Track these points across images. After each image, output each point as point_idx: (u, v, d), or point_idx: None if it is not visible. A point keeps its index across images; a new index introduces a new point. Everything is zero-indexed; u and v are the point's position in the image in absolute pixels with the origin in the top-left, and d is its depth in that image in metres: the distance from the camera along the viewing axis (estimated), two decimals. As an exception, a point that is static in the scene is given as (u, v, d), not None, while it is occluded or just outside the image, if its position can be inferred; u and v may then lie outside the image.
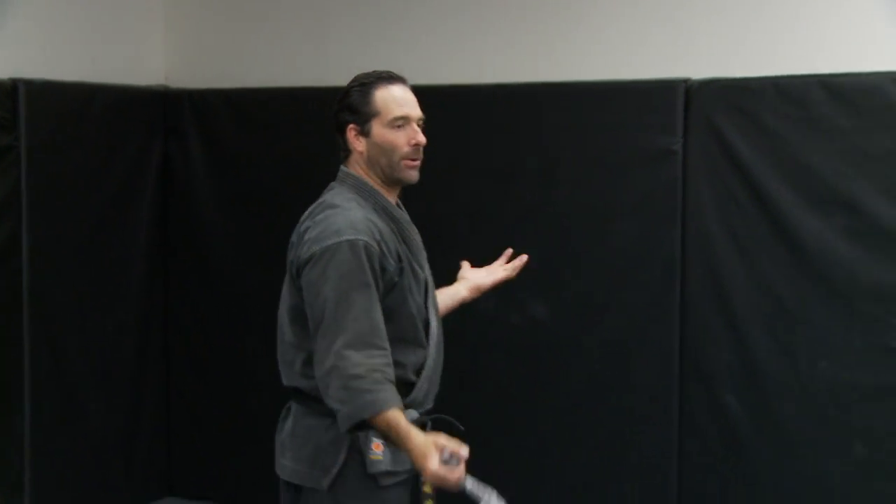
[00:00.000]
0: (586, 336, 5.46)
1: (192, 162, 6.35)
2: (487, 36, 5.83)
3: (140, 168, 6.25)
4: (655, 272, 5.41)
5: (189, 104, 6.34)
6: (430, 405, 3.22)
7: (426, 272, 3.30)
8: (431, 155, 3.42)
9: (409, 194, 3.43)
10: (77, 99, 5.86)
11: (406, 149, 3.18)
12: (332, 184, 3.29)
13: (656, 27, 5.51)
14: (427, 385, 3.23)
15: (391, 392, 2.96)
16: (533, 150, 5.63)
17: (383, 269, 3.07)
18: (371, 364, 2.94)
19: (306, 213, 3.23)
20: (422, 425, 3.15)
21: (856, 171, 5.02)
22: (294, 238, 3.18)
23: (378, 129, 3.17)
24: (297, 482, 3.17)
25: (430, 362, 3.22)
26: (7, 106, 5.47)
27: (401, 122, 3.18)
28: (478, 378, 5.41)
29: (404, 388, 3.09)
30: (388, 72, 3.24)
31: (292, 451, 3.17)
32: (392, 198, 3.23)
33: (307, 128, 6.02)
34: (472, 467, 5.51)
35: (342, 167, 3.28)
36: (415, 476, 3.14)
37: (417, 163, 3.20)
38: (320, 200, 3.23)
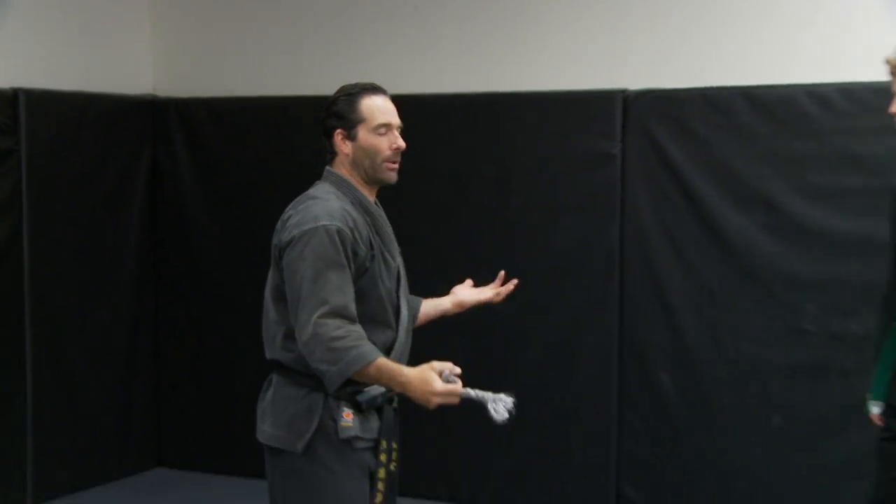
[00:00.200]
0: (536, 321, 5.48)
1: (179, 165, 6.31)
2: (445, 50, 5.84)
3: (131, 170, 6.21)
4: (597, 264, 5.46)
5: (175, 112, 6.31)
6: None
7: (398, 262, 3.29)
8: (397, 159, 3.50)
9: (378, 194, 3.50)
10: (73, 107, 5.85)
11: (388, 152, 3.20)
12: (317, 182, 3.30)
13: (597, 43, 5.55)
14: None
15: (371, 345, 2.99)
16: (486, 153, 5.65)
17: (355, 254, 3.08)
18: (348, 328, 2.98)
19: (291, 203, 3.23)
20: (388, 400, 3.19)
21: (774, 172, 5.09)
22: (278, 225, 3.19)
23: (363, 134, 3.18)
24: (275, 445, 3.16)
25: (398, 344, 3.22)
26: (8, 113, 5.47)
27: (383, 128, 3.19)
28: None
29: None
30: (371, 83, 3.25)
31: (272, 417, 3.17)
32: (370, 196, 3.23)
33: (285, 133, 6.05)
34: (429, 444, 5.53)
35: (327, 167, 3.28)
36: (374, 443, 3.17)
37: (396, 165, 3.22)
38: (304, 193, 3.24)
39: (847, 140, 4.85)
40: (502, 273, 3.61)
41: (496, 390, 3.03)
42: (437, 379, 2.98)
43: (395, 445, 3.22)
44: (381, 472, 3.18)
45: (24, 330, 5.62)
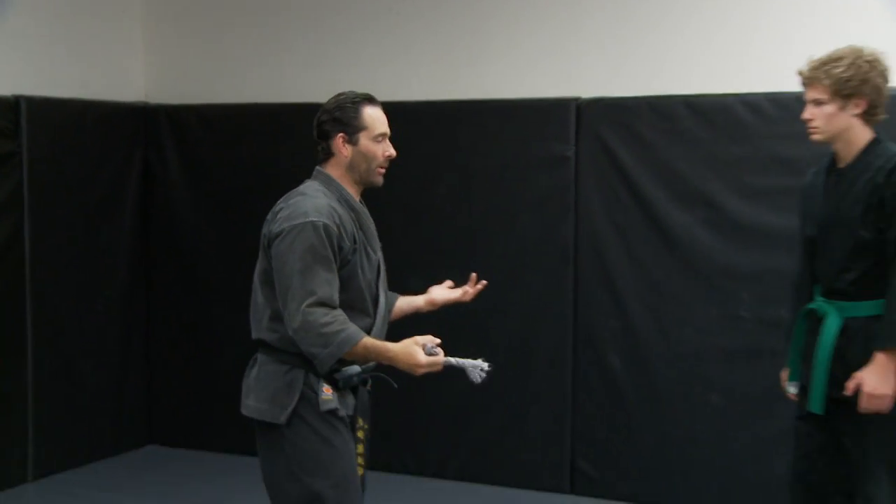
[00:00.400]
0: (499, 311, 5.48)
1: (169, 167, 6.31)
2: (414, 61, 5.85)
3: (124, 173, 6.21)
4: (553, 257, 5.50)
5: (166, 118, 6.31)
6: (372, 364, 3.22)
7: (378, 256, 3.32)
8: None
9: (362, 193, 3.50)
10: (70, 113, 5.85)
11: (381, 159, 3.24)
12: (307, 180, 3.31)
13: (553, 55, 5.58)
14: None
15: (356, 327, 3.04)
16: (451, 156, 5.68)
17: (340, 248, 3.10)
18: (333, 314, 3.01)
19: (282, 198, 3.25)
20: (363, 382, 3.25)
21: (713, 174, 5.15)
22: (269, 216, 3.22)
23: (364, 140, 3.21)
24: (258, 418, 3.18)
25: (375, 330, 3.23)
26: (10, 118, 5.48)
27: (381, 137, 3.24)
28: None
29: None
30: (368, 94, 3.27)
31: (255, 392, 3.19)
32: (356, 195, 3.26)
33: (268, 137, 6.08)
34: (399, 422, 5.56)
35: (317, 167, 3.29)
36: (350, 419, 3.20)
37: (384, 170, 3.27)
38: (294, 189, 3.26)
39: (777, 144, 4.90)
40: (474, 275, 3.62)
41: (461, 373, 3.11)
42: (420, 352, 3.04)
43: (366, 426, 3.27)
44: (360, 448, 3.24)
45: (26, 320, 5.61)
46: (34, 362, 5.66)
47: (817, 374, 3.48)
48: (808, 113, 3.51)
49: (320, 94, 5.91)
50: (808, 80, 3.49)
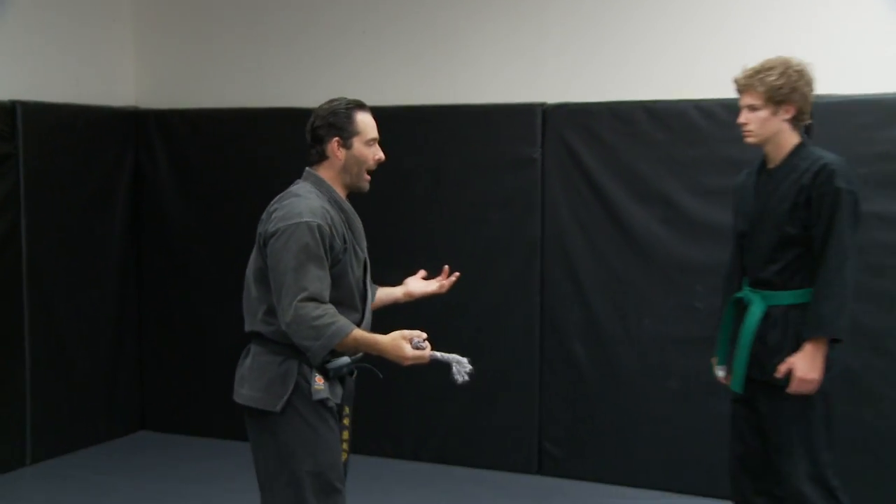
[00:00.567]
0: (470, 301, 5.49)
1: (158, 168, 6.32)
2: (389, 68, 5.86)
3: (116, 173, 6.22)
4: (521, 251, 5.53)
5: (155, 122, 6.32)
6: (360, 355, 3.24)
7: (365, 254, 3.31)
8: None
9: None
10: (64, 117, 5.86)
11: (371, 163, 3.24)
12: (298, 180, 3.29)
13: (520, 63, 5.61)
14: None
15: (346, 320, 3.05)
16: (426, 157, 5.69)
17: (331, 247, 3.10)
18: (324, 308, 3.02)
19: (276, 198, 3.23)
20: (350, 373, 3.27)
21: (669, 174, 5.19)
22: (264, 216, 3.20)
23: (357, 144, 3.20)
24: (252, 405, 3.17)
25: (364, 324, 3.24)
26: (7, 122, 5.49)
27: (372, 141, 3.23)
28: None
29: None
30: (359, 100, 3.26)
31: (249, 381, 3.18)
32: (343, 195, 3.25)
33: (252, 140, 6.09)
34: (377, 407, 5.53)
35: (308, 168, 3.27)
36: (338, 407, 3.22)
37: (370, 177, 3.27)
38: (288, 190, 3.24)
39: (729, 147, 4.88)
40: (446, 267, 3.63)
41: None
42: (406, 346, 3.07)
43: (350, 413, 3.31)
44: (346, 434, 3.27)
45: (23, 311, 5.63)
46: (31, 353, 5.68)
47: (739, 356, 3.63)
48: (744, 117, 3.63)
49: (300, 99, 6.04)
50: (744, 87, 3.62)
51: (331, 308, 3.05)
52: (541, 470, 5.58)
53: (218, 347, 6.10)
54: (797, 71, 3.58)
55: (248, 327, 3.25)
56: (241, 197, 6.10)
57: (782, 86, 3.54)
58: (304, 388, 3.12)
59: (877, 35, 4.92)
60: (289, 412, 3.12)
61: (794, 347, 3.52)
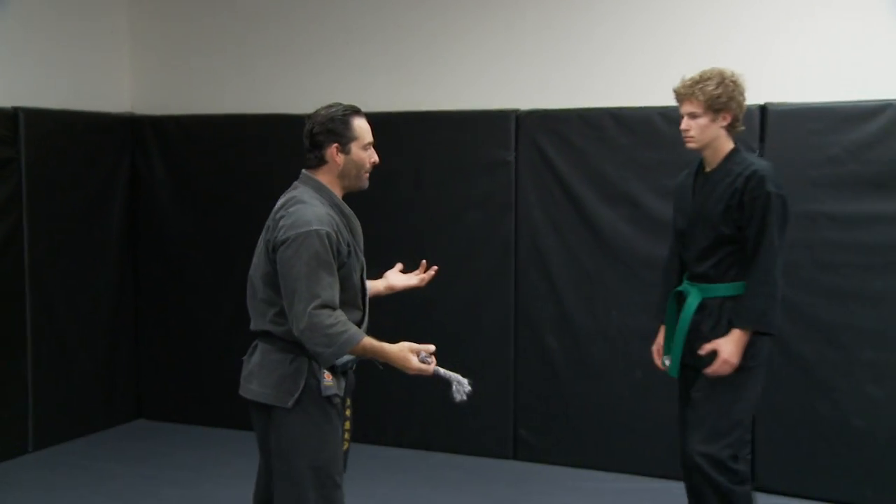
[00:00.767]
0: (448, 296, 5.52)
1: (154, 171, 6.33)
2: (373, 76, 5.89)
3: (114, 176, 6.22)
4: (496, 249, 5.56)
5: (150, 127, 6.32)
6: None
7: (362, 255, 3.30)
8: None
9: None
10: (63, 122, 5.85)
11: (368, 165, 3.22)
12: (297, 183, 3.23)
13: (494, 72, 5.65)
14: None
15: (356, 328, 3.04)
16: (406, 160, 5.67)
17: (338, 252, 3.07)
18: (336, 315, 3.00)
19: (280, 203, 3.17)
20: (352, 367, 3.27)
21: (634, 176, 5.23)
22: (270, 223, 3.15)
23: (356, 150, 3.17)
24: (263, 401, 3.13)
25: (365, 321, 3.24)
26: (9, 127, 5.50)
27: (368, 146, 3.21)
28: (370, 329, 5.46)
29: None
30: (355, 106, 3.23)
31: (259, 378, 3.14)
32: (341, 196, 3.22)
33: (243, 145, 6.09)
34: (361, 396, 5.53)
35: (305, 171, 3.22)
36: (341, 400, 3.20)
37: (368, 175, 3.25)
38: (291, 195, 3.17)
39: (690, 151, 4.74)
40: (424, 262, 3.65)
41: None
42: (413, 358, 3.10)
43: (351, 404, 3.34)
44: (347, 424, 3.28)
45: (25, 307, 5.64)
46: (33, 347, 5.68)
47: (675, 344, 3.76)
48: (685, 124, 3.72)
49: (290, 105, 6.08)
50: (685, 95, 3.71)
51: (342, 316, 3.03)
52: (516, 456, 5.61)
53: (211, 340, 6.18)
54: (733, 81, 3.69)
55: (255, 326, 3.22)
56: (233, 198, 6.14)
57: (721, 95, 3.64)
58: (313, 384, 3.11)
59: (827, 48, 4.99)
60: (297, 408, 3.10)
61: (726, 335, 3.65)
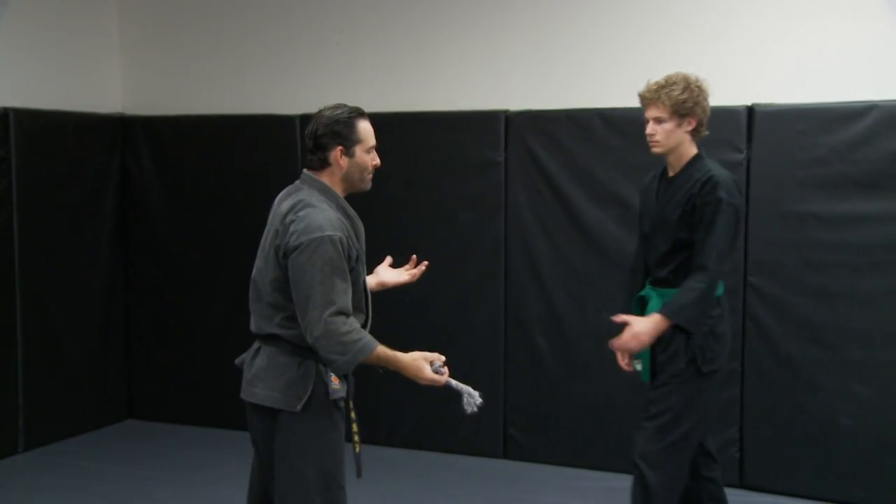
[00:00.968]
0: (439, 295, 5.53)
1: (144, 170, 6.33)
2: (364, 78, 5.88)
3: (104, 175, 6.22)
4: (486, 248, 5.56)
5: (140, 127, 6.32)
6: None
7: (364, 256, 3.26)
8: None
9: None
10: (54, 123, 5.85)
11: (371, 168, 3.17)
12: (299, 184, 3.17)
13: (485, 73, 5.66)
14: None
15: (370, 336, 3.01)
16: (399, 160, 5.39)
17: (349, 256, 3.03)
18: (351, 323, 2.96)
19: (287, 206, 3.09)
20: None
21: (623, 176, 5.20)
22: (279, 227, 3.06)
23: (359, 153, 3.12)
24: (270, 405, 3.08)
25: (368, 324, 3.21)
26: (0, 127, 5.49)
27: (372, 149, 3.16)
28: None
29: None
30: (358, 108, 3.17)
31: (265, 381, 3.09)
32: (343, 197, 3.18)
33: (232, 145, 6.09)
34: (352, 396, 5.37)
35: (307, 172, 3.16)
36: (345, 401, 3.16)
37: (371, 176, 3.21)
38: (299, 198, 3.09)
39: None
40: (414, 257, 3.63)
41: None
42: (426, 367, 3.08)
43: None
44: (355, 427, 3.22)
45: (15, 307, 5.62)
46: (23, 347, 5.67)
47: (643, 352, 3.76)
48: (650, 129, 3.71)
49: (280, 106, 6.08)
50: (650, 100, 3.69)
51: (356, 324, 3.01)
52: (506, 455, 5.61)
53: (202, 340, 6.17)
54: (698, 86, 3.67)
55: (258, 329, 3.16)
56: (223, 198, 6.15)
57: (686, 100, 3.63)
58: (321, 388, 3.07)
59: (814, 49, 5.01)
60: (304, 412, 3.05)
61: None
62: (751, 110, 4.96)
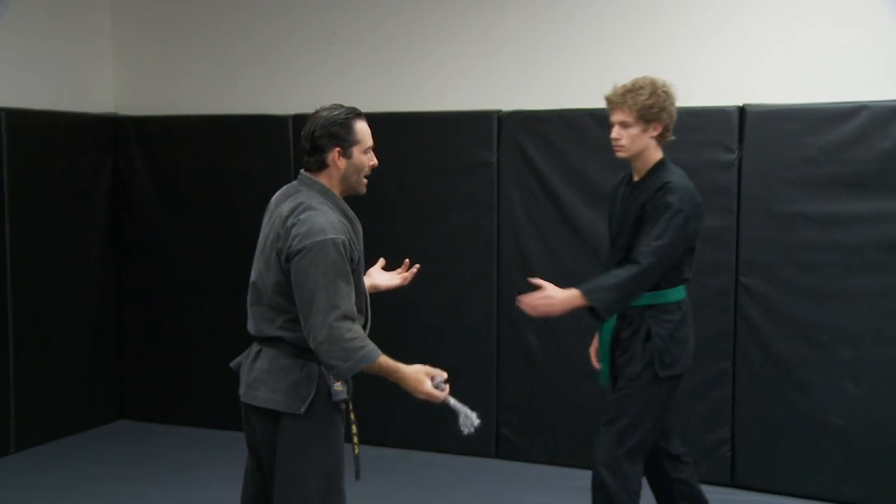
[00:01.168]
0: (432, 294, 5.54)
1: (136, 170, 6.32)
2: (357, 78, 5.87)
3: (96, 174, 6.21)
4: (479, 247, 5.57)
5: (133, 127, 6.32)
6: None
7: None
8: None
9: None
10: (46, 123, 5.85)
11: (367, 169, 3.15)
12: (298, 185, 3.13)
13: (477, 74, 5.67)
14: None
15: (373, 345, 2.97)
16: (391, 160, 5.33)
17: (351, 259, 3.01)
18: (355, 329, 2.93)
19: (288, 208, 3.05)
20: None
21: (615, 176, 4.88)
22: (281, 231, 3.02)
23: (357, 154, 3.09)
24: (273, 408, 3.05)
25: (368, 325, 3.19)
26: (-8, 128, 5.54)
27: (369, 149, 3.14)
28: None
29: None
30: (355, 108, 3.14)
31: (267, 384, 3.06)
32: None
33: (224, 145, 6.09)
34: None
35: (305, 173, 3.12)
36: (346, 403, 3.14)
37: (366, 180, 3.18)
38: (299, 201, 3.05)
39: (670, 153, 4.85)
40: (406, 261, 3.62)
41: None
42: (427, 381, 3.05)
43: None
44: (354, 428, 3.20)
45: (7, 307, 5.61)
46: (15, 347, 5.66)
47: (601, 352, 3.76)
48: (616, 133, 3.68)
49: (273, 106, 6.08)
50: (617, 104, 3.66)
51: (361, 331, 2.98)
52: (498, 454, 5.61)
53: (194, 340, 6.17)
54: (665, 91, 3.63)
55: (258, 332, 3.13)
56: (216, 199, 6.15)
57: (653, 105, 3.59)
58: (324, 390, 3.05)
59: (805, 50, 5.03)
60: (307, 414, 3.03)
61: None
62: (742, 111, 4.97)
